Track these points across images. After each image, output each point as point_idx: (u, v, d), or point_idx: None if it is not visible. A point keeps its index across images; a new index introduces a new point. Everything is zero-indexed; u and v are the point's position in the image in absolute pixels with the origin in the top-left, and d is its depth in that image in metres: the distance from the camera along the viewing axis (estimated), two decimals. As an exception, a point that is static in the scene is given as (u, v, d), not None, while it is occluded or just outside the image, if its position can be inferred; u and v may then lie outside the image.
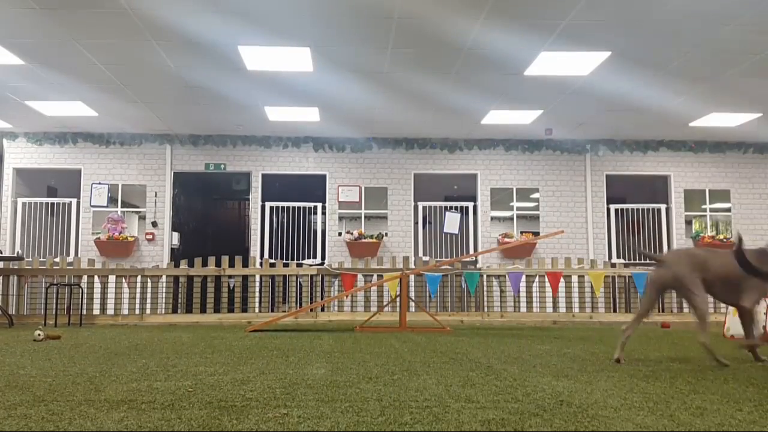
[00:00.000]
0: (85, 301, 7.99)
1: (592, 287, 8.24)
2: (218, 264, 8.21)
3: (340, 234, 10.09)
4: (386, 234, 10.10)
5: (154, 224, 10.00)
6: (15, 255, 9.08)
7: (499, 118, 9.00)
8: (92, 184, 10.01)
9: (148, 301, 8.09)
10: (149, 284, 8.13)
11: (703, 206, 10.50)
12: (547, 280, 8.30)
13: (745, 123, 9.15)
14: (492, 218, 10.40)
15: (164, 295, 8.34)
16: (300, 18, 5.66)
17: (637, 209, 10.50)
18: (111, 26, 5.83)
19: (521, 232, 10.28)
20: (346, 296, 8.24)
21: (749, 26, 5.77)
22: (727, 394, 2.78)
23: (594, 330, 7.13)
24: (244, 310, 8.31)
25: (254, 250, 10.00)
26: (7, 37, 6.10)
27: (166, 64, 6.83)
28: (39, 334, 5.48)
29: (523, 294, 8.37)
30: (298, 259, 9.88)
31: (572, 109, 8.55)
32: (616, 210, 10.45)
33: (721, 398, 2.67)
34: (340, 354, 4.36)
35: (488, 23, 5.76)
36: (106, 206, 9.95)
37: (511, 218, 10.45)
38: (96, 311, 8.08)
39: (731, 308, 6.23)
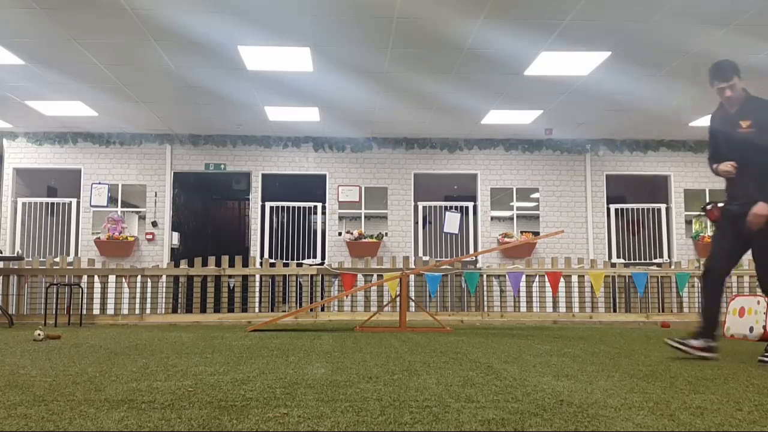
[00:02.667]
0: (85, 300, 7.99)
1: (592, 287, 8.24)
2: (218, 264, 8.21)
3: (340, 234, 10.09)
4: (386, 234, 10.10)
5: (154, 224, 10.00)
6: (15, 255, 9.07)
7: (499, 118, 9.00)
8: (92, 184, 10.01)
9: (148, 301, 8.09)
10: (149, 284, 8.12)
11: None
12: (547, 279, 8.29)
13: (745, 123, 9.14)
14: (492, 218, 10.40)
15: (164, 295, 8.33)
16: (300, 18, 5.66)
17: (637, 209, 10.50)
18: (111, 26, 5.84)
19: (521, 232, 10.28)
20: (346, 296, 8.23)
21: (749, 26, 5.77)
22: (727, 394, 2.78)
23: (594, 330, 7.13)
24: (244, 309, 8.31)
25: (254, 250, 10.00)
26: (7, 37, 6.10)
27: (166, 64, 6.83)
28: (39, 334, 5.47)
29: (523, 294, 8.36)
30: (298, 259, 9.88)
31: (572, 109, 8.55)
32: (616, 210, 10.45)
33: (721, 398, 2.67)
34: (340, 354, 4.36)
35: (488, 23, 5.76)
36: (106, 206, 9.95)
37: (511, 218, 10.45)
38: (96, 311, 8.07)
39: (731, 307, 6.22)
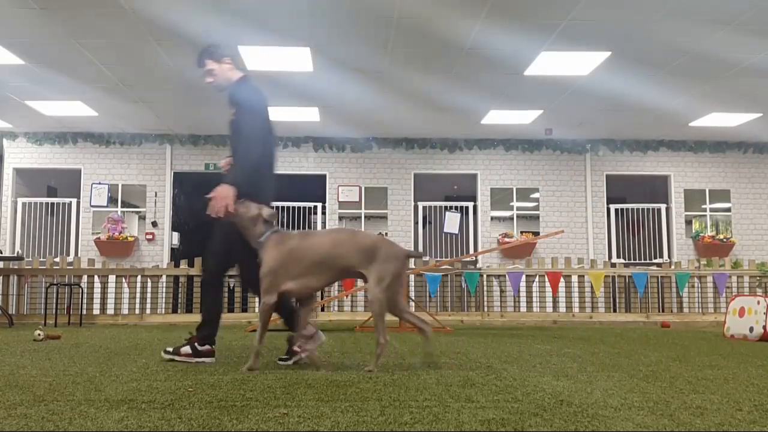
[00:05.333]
0: (85, 300, 7.99)
1: (591, 287, 8.24)
2: (218, 264, 8.19)
3: (340, 234, 10.08)
4: (386, 234, 10.10)
5: (154, 224, 10.00)
6: (15, 255, 9.07)
7: (499, 118, 9.00)
8: (92, 184, 10.01)
9: (148, 300, 8.09)
10: (149, 284, 8.13)
11: (703, 206, 10.50)
12: (547, 279, 8.29)
13: (745, 123, 9.15)
14: (492, 218, 10.40)
15: (164, 294, 8.34)
16: (300, 18, 5.66)
17: (637, 209, 10.50)
18: (111, 26, 5.84)
19: (521, 232, 10.28)
20: (346, 296, 8.23)
21: (749, 26, 5.77)
22: (727, 394, 2.78)
23: (594, 330, 7.13)
24: (244, 309, 8.31)
25: (254, 250, 9.99)
26: (7, 37, 6.10)
27: (166, 64, 6.83)
28: (39, 334, 5.47)
29: (523, 294, 8.36)
30: (298, 259, 9.86)
31: (572, 109, 8.55)
32: (616, 210, 10.45)
33: (721, 398, 2.67)
34: (340, 354, 4.36)
35: (488, 23, 5.76)
36: (106, 206, 9.95)
37: (511, 218, 10.45)
38: (96, 311, 8.07)
39: (731, 307, 6.22)
